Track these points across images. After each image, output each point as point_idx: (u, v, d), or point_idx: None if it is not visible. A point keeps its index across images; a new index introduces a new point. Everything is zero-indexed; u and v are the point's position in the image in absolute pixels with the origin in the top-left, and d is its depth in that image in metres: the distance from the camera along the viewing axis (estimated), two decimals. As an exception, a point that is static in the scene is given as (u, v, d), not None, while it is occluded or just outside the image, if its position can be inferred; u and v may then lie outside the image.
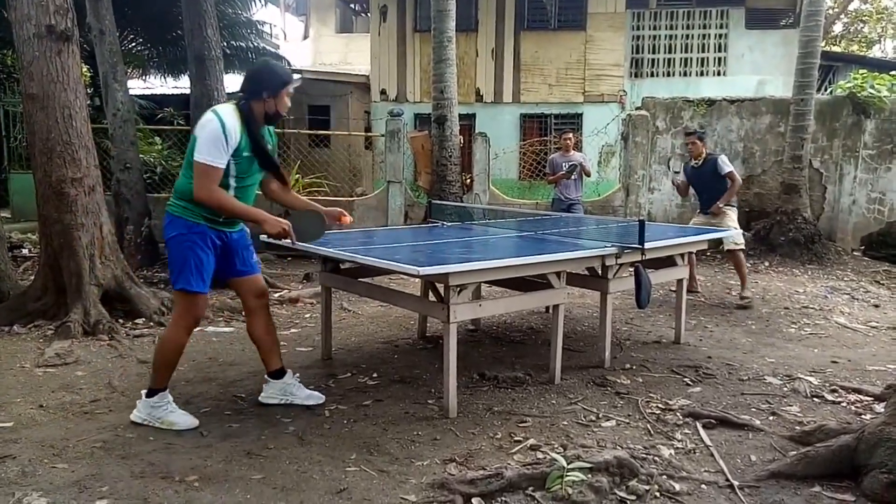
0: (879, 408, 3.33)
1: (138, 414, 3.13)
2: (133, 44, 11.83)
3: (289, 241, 3.12)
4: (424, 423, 3.16)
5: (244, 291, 3.28)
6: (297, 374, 3.55)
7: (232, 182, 3.00)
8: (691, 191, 6.64)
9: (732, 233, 5.96)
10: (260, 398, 3.41)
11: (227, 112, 2.95)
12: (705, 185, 6.31)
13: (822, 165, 9.26)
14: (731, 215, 6.25)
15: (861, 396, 3.58)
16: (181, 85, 12.17)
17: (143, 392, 3.16)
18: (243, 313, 5.37)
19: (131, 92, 8.28)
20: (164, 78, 12.67)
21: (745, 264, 6.36)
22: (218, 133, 2.86)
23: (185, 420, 3.10)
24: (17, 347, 4.40)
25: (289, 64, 13.58)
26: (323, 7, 18.56)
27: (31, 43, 4.72)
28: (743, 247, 6.32)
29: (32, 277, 5.51)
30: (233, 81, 12.22)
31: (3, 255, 5.34)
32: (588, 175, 7.77)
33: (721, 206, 6.15)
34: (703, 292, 6.59)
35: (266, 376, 3.41)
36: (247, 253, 3.25)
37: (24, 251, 7.88)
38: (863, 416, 3.27)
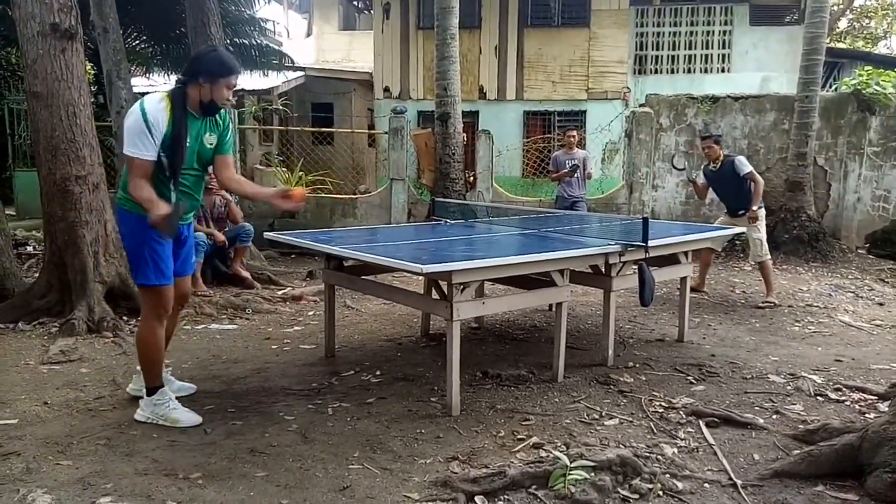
0: (883, 406, 3.32)
1: (142, 413, 3.14)
2: (137, 41, 11.85)
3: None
4: (427, 421, 3.16)
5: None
6: (170, 368, 3.57)
7: (174, 174, 2.93)
8: (710, 194, 6.64)
9: (749, 239, 5.98)
10: (129, 388, 3.42)
11: (153, 101, 2.87)
12: (727, 188, 6.26)
13: (827, 163, 9.22)
14: (760, 225, 6.16)
15: (865, 395, 3.57)
16: (185, 82, 12.15)
17: (144, 391, 3.17)
18: (247, 311, 5.45)
19: (135, 90, 8.28)
20: (168, 76, 12.65)
21: (772, 273, 6.28)
22: (139, 123, 2.80)
23: (188, 417, 3.11)
24: (22, 344, 4.41)
25: (292, 61, 13.60)
26: (326, 4, 18.55)
27: (35, 41, 4.73)
28: (768, 258, 6.18)
29: (37, 275, 5.52)
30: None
31: (7, 252, 5.36)
32: (590, 178, 7.76)
33: (755, 209, 6.05)
34: (708, 291, 6.56)
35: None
36: (189, 253, 3.27)
37: (29, 248, 7.90)
38: (867, 415, 3.26)
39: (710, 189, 6.47)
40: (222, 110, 3.10)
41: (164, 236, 2.94)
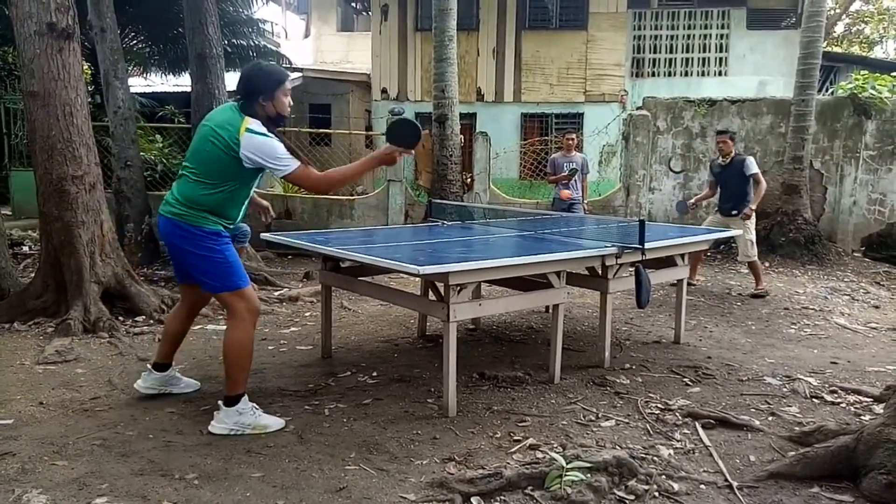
0: (878, 409, 3.33)
1: (222, 425, 2.98)
2: (134, 41, 11.84)
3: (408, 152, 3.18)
4: (424, 422, 3.16)
5: (196, 293, 3.32)
6: (178, 367, 3.60)
7: (253, 184, 3.12)
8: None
9: (738, 238, 6.11)
10: (137, 385, 3.42)
11: (260, 126, 2.95)
12: (728, 184, 6.50)
13: (823, 166, 9.25)
14: (751, 225, 6.45)
15: (860, 397, 3.58)
16: (182, 83, 12.17)
17: (220, 402, 3.04)
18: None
19: (132, 90, 8.28)
20: (165, 76, 12.67)
21: (761, 268, 6.62)
22: (271, 141, 2.95)
23: (276, 421, 3.06)
24: (18, 344, 4.40)
25: (290, 62, 13.60)
26: (324, 5, 18.55)
27: (32, 40, 4.72)
28: (755, 257, 6.52)
29: (33, 275, 5.50)
30: (233, 79, 12.23)
31: (3, 252, 5.35)
32: (585, 190, 7.81)
33: (752, 208, 6.35)
34: (704, 292, 6.58)
35: (150, 366, 3.44)
36: None
37: (25, 248, 7.88)
38: (862, 417, 3.27)
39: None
40: None
41: (408, 149, 3.17)
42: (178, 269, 3.37)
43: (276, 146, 2.95)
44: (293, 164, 2.97)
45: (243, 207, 3.18)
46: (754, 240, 6.49)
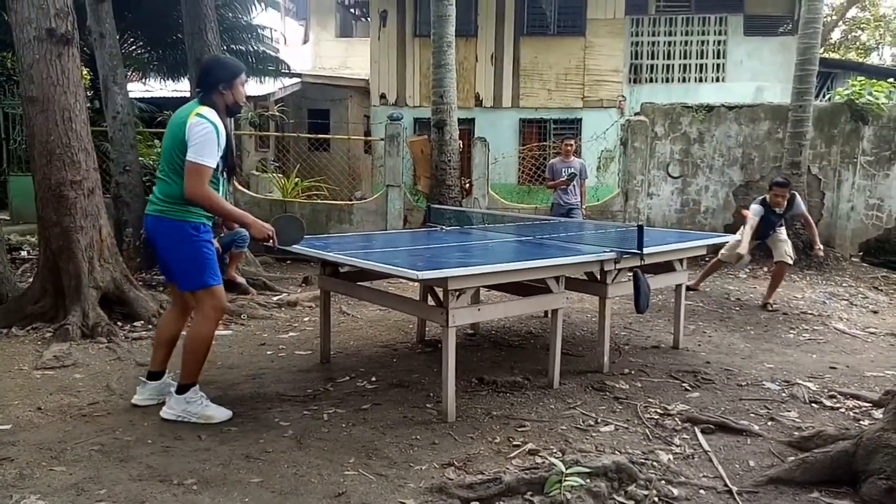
0: (878, 414, 3.34)
1: (171, 411, 3.17)
2: (133, 47, 11.85)
3: (272, 244, 3.23)
4: (423, 428, 3.16)
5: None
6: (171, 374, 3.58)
7: (221, 178, 3.17)
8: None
9: (731, 240, 6.03)
10: (135, 400, 3.40)
11: (213, 113, 3.07)
12: (776, 222, 6.28)
13: (821, 171, 9.28)
14: (783, 233, 6.41)
15: (859, 402, 3.58)
16: (181, 88, 12.17)
17: (173, 389, 3.23)
18: (242, 316, 5.44)
19: (131, 95, 8.28)
20: (164, 81, 12.67)
21: (782, 280, 6.46)
22: (212, 135, 3.01)
23: (220, 413, 3.19)
24: (16, 350, 4.39)
25: (288, 68, 13.62)
26: (323, 11, 18.61)
27: (31, 46, 4.73)
28: (791, 262, 6.42)
29: (31, 280, 5.50)
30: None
31: (2, 257, 5.33)
32: (583, 196, 7.82)
33: (821, 247, 6.47)
34: (703, 297, 6.58)
35: (145, 377, 3.44)
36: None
37: (23, 253, 7.87)
38: (861, 422, 3.27)
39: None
40: None
41: (278, 246, 3.26)
42: (164, 269, 3.47)
43: (210, 135, 2.99)
44: (206, 159, 2.98)
45: (224, 194, 3.24)
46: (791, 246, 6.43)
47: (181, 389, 3.19)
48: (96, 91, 9.32)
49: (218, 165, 3.08)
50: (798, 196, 6.32)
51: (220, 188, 3.19)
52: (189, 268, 3.11)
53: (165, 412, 3.18)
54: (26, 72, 4.79)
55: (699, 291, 6.69)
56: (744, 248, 5.97)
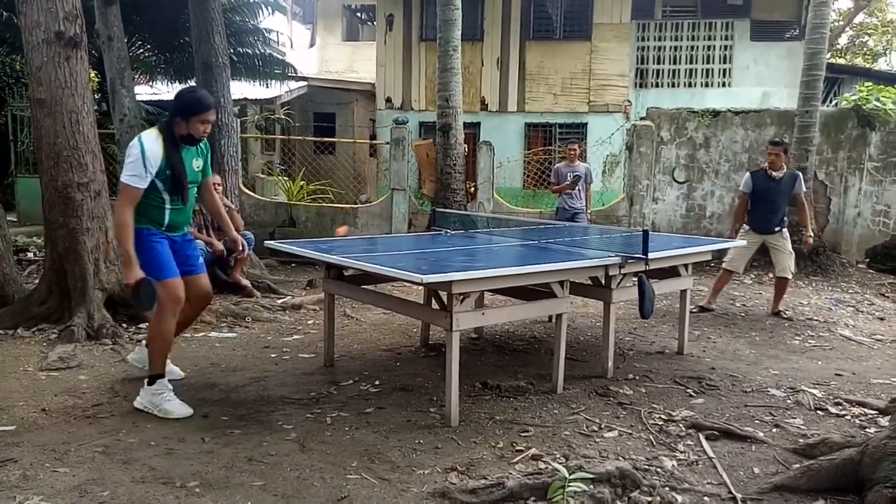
0: (884, 421, 3.31)
1: (140, 400, 3.37)
2: (141, 50, 11.90)
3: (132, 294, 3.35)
4: (426, 432, 3.15)
5: (187, 288, 3.50)
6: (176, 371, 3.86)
7: (165, 197, 3.36)
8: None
9: (736, 245, 5.92)
10: (136, 404, 3.42)
11: (150, 137, 3.33)
12: (775, 201, 6.00)
13: (827, 177, 9.24)
14: (789, 242, 6.15)
15: (865, 409, 3.56)
16: (188, 91, 12.22)
17: (146, 380, 3.40)
18: (246, 319, 5.45)
19: (138, 97, 8.31)
20: (171, 84, 12.70)
21: (786, 291, 6.28)
22: (138, 157, 3.25)
23: (179, 409, 3.29)
24: (21, 351, 4.40)
25: (295, 71, 13.66)
26: (329, 15, 18.68)
27: (40, 49, 4.76)
28: (791, 276, 6.19)
29: (37, 281, 5.52)
30: (239, 88, 12.29)
31: (8, 258, 5.36)
32: (588, 200, 7.81)
33: (811, 235, 6.16)
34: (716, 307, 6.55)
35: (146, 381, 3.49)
36: (190, 254, 3.60)
37: (30, 255, 7.91)
38: (867, 430, 3.25)
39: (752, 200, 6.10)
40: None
41: (136, 306, 3.53)
42: None
43: (135, 157, 3.24)
44: (128, 178, 3.24)
45: (167, 217, 3.40)
46: (792, 251, 6.18)
47: (149, 381, 3.37)
48: (104, 93, 9.37)
49: (157, 185, 3.30)
50: (801, 176, 6.13)
51: (166, 208, 3.38)
52: (145, 267, 3.29)
53: (137, 401, 3.38)
54: (35, 74, 4.83)
55: (715, 310, 6.24)
56: (733, 228, 6.15)
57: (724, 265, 6.27)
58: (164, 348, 3.42)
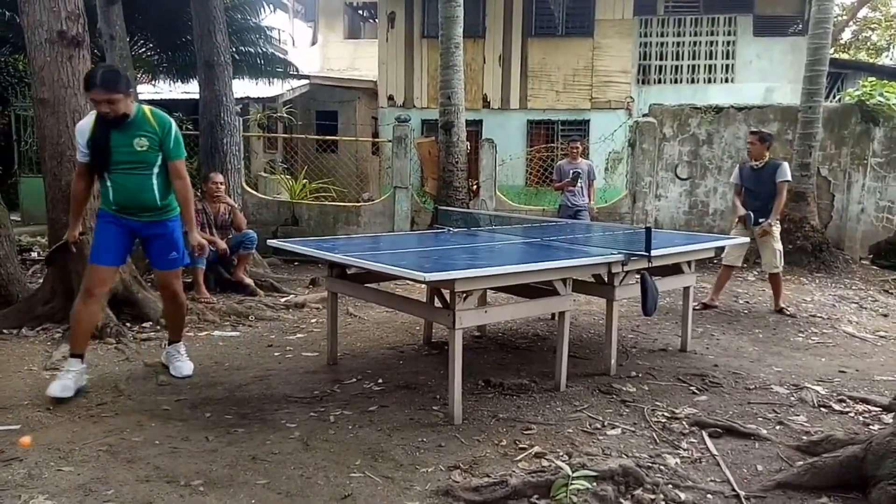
0: (888, 418, 3.31)
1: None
2: (143, 49, 11.92)
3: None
4: (429, 430, 3.16)
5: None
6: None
7: (103, 174, 3.56)
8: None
9: (764, 247, 5.89)
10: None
11: (86, 117, 3.58)
12: (760, 191, 6.00)
13: (831, 173, 9.22)
14: (776, 233, 6.04)
15: (869, 406, 3.55)
16: (190, 90, 12.23)
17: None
18: (250, 318, 5.46)
19: (141, 97, 8.34)
20: (174, 83, 12.72)
21: (782, 285, 6.19)
22: (77, 131, 3.59)
23: (56, 388, 3.41)
24: (25, 350, 4.42)
25: (297, 69, 13.66)
26: (331, 13, 18.66)
27: (42, 48, 4.76)
28: (780, 270, 6.09)
29: (41, 281, 5.53)
30: (241, 87, 12.30)
31: (12, 258, 5.38)
32: (591, 197, 7.79)
33: (771, 223, 5.92)
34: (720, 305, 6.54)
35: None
36: (156, 250, 3.74)
37: (34, 254, 7.93)
38: (871, 427, 3.24)
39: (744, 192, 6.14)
40: (159, 117, 3.64)
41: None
42: None
43: (77, 132, 3.58)
44: (77, 154, 3.62)
45: (111, 195, 3.58)
46: (782, 250, 6.08)
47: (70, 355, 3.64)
48: (106, 93, 9.37)
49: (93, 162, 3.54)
50: (784, 165, 6.01)
51: (108, 186, 3.57)
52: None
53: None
54: (37, 74, 4.83)
55: (719, 307, 6.21)
56: (738, 211, 6.11)
57: (724, 260, 6.29)
58: (74, 327, 3.62)
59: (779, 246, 6.05)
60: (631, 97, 13.32)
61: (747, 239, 5.90)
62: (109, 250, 3.60)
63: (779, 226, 6.14)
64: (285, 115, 13.88)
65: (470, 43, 12.48)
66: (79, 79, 4.87)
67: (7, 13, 9.16)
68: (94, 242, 3.62)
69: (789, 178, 6.03)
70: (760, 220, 5.97)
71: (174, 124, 3.68)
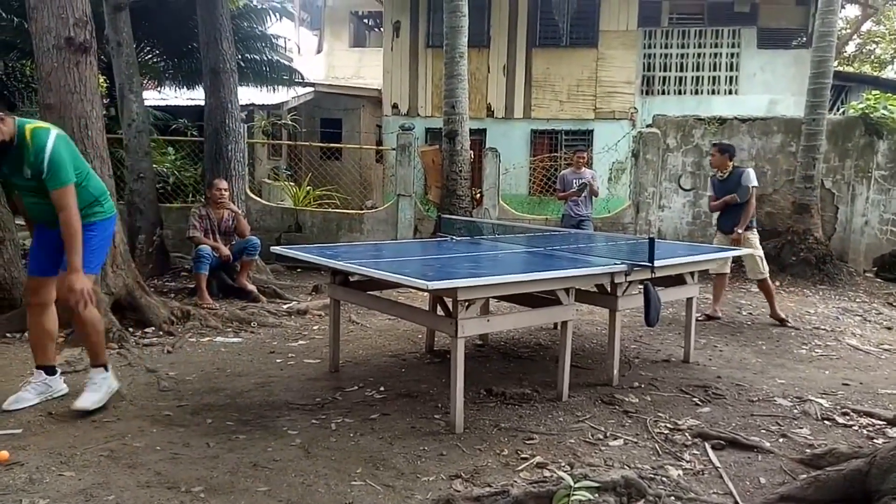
0: (892, 432, 3.30)
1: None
2: (149, 55, 11.98)
3: None
4: (431, 438, 3.15)
5: None
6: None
7: (18, 192, 3.52)
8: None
9: (745, 256, 5.88)
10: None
11: None
12: (722, 199, 6.12)
13: (834, 185, 9.22)
14: (754, 240, 6.05)
15: (873, 420, 3.53)
16: (196, 96, 12.29)
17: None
18: (252, 324, 5.46)
19: (146, 103, 8.37)
20: (179, 89, 12.78)
21: (773, 290, 6.21)
22: None
23: (11, 400, 3.41)
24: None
25: (302, 77, 13.72)
26: (337, 22, 18.78)
27: (50, 54, 4.80)
28: (767, 275, 6.11)
29: (44, 285, 5.54)
30: (246, 94, 12.35)
31: (16, 262, 5.39)
32: (596, 195, 7.78)
33: (740, 231, 5.93)
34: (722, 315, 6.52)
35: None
36: (47, 254, 3.55)
37: (37, 258, 7.93)
38: (875, 441, 3.23)
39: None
40: (36, 141, 3.15)
41: None
42: None
43: None
44: None
45: (29, 209, 3.56)
46: (763, 255, 6.08)
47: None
48: (112, 98, 9.44)
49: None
50: (747, 172, 6.02)
51: (23, 196, 3.49)
52: None
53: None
54: (44, 80, 4.86)
55: (721, 318, 6.20)
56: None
57: (710, 272, 6.32)
58: (32, 341, 3.64)
59: (759, 252, 6.06)
60: (634, 108, 13.37)
61: (751, 250, 5.89)
62: (37, 260, 3.56)
63: (755, 232, 6.17)
64: (290, 122, 13.92)
65: (474, 52, 12.53)
66: (86, 85, 4.91)
67: (15, 19, 9.22)
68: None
69: (754, 182, 6.03)
70: (736, 230, 6.00)
71: (49, 147, 3.15)
